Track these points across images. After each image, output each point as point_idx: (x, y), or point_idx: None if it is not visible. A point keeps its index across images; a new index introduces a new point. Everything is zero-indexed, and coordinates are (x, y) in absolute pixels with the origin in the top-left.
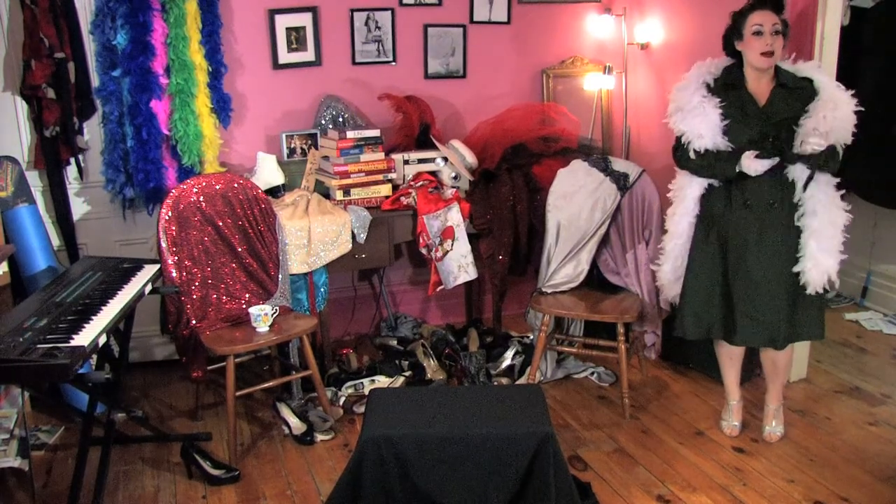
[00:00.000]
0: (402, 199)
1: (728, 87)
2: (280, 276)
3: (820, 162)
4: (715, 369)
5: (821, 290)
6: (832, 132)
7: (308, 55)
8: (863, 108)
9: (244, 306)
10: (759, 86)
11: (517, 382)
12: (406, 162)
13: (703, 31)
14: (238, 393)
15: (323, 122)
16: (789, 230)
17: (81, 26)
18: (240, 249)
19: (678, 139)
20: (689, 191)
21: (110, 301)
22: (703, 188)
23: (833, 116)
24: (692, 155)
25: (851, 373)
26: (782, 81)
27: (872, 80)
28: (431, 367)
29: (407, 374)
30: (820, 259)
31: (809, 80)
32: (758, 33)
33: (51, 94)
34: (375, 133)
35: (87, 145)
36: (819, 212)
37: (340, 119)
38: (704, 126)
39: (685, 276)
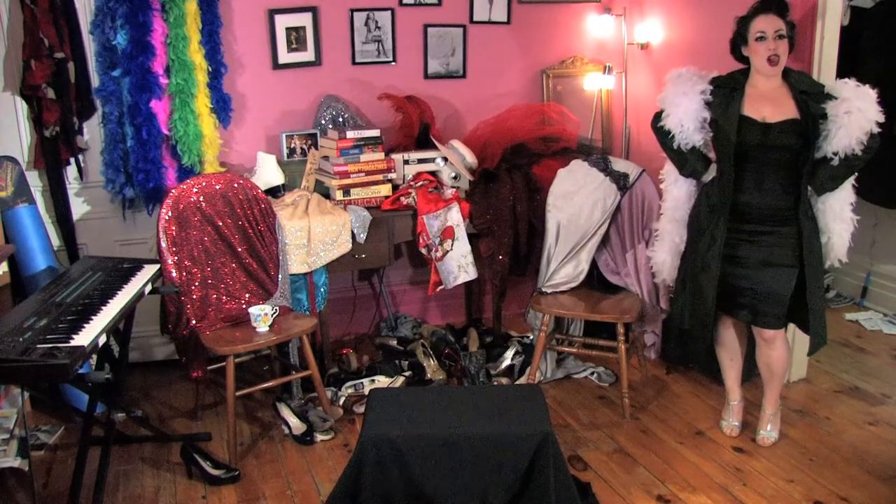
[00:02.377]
0: (402, 199)
1: (724, 88)
2: (280, 276)
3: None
4: (715, 369)
5: (844, 259)
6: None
7: (308, 55)
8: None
9: (244, 306)
10: (768, 90)
11: (517, 382)
12: (406, 162)
13: (703, 31)
14: (238, 393)
15: (323, 122)
16: (787, 237)
17: (81, 26)
18: (240, 249)
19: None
20: (679, 180)
21: (110, 301)
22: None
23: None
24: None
25: (851, 373)
26: (802, 88)
27: (872, 81)
28: (431, 367)
29: (407, 374)
30: (836, 232)
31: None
32: (761, 38)
33: (51, 94)
34: (375, 133)
35: (87, 145)
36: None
37: (340, 119)
38: (686, 102)
39: (681, 266)
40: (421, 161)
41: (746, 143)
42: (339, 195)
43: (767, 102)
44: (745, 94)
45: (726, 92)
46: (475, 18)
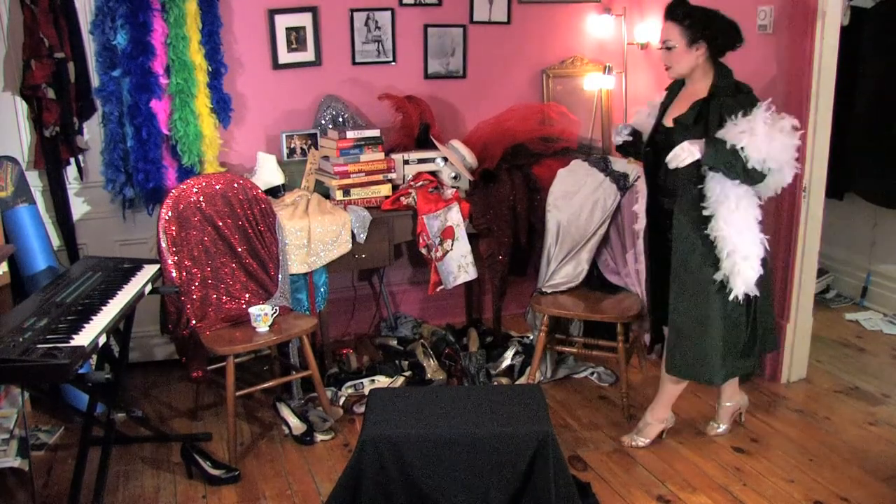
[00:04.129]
0: (402, 199)
1: (671, 94)
2: (280, 276)
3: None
4: None
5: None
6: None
7: (308, 55)
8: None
9: (244, 306)
10: (688, 94)
11: (517, 382)
12: (406, 162)
13: None
14: (238, 393)
15: (323, 122)
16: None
17: (81, 26)
18: (240, 249)
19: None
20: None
21: (110, 301)
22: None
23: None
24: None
25: (851, 373)
26: (713, 91)
27: (872, 81)
28: (431, 367)
29: (407, 374)
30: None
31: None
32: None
33: (51, 94)
34: (375, 133)
35: (87, 145)
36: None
37: (340, 119)
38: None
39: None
40: (421, 161)
41: (648, 147)
42: (339, 195)
43: (679, 106)
44: (676, 98)
45: (671, 97)
46: (475, 18)
